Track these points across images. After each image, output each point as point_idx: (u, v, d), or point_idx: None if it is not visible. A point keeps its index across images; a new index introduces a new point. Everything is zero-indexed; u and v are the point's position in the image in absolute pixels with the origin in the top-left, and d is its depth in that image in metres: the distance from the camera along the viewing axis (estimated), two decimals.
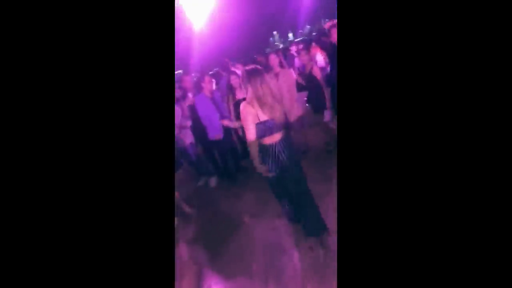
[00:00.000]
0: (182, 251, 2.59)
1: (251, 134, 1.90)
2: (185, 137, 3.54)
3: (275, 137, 1.96)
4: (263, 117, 1.89)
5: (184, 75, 3.59)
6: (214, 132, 3.35)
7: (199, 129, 3.41)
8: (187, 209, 3.12)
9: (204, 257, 2.44)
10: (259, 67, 1.95)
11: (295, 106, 3.47)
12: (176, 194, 3.05)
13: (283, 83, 3.43)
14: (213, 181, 3.75)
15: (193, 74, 3.78)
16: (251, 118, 1.88)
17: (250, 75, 1.86)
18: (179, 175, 3.13)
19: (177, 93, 3.73)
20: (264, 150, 1.97)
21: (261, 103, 1.86)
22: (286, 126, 3.67)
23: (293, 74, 3.58)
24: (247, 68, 1.95)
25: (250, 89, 1.87)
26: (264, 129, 1.90)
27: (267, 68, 3.88)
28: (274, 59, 3.55)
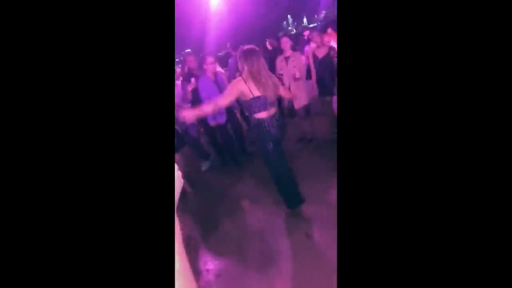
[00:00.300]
0: (181, 228, 2.63)
1: (222, 100, 2.08)
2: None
3: (267, 113, 2.11)
4: (257, 93, 2.03)
5: (188, 55, 3.49)
6: (215, 117, 3.29)
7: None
8: (187, 188, 3.16)
9: (201, 235, 2.48)
10: (255, 47, 2.12)
11: (303, 93, 3.40)
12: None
13: (293, 68, 3.36)
14: (205, 165, 3.76)
15: (201, 55, 3.67)
16: (235, 92, 2.04)
17: (247, 54, 2.04)
18: (180, 155, 3.15)
19: (182, 72, 3.67)
20: (256, 123, 2.14)
21: (256, 81, 2.02)
22: (292, 112, 3.62)
23: (304, 59, 3.49)
24: (244, 48, 2.12)
25: (245, 67, 2.04)
26: (257, 104, 2.07)
27: (278, 51, 3.79)
28: (286, 42, 3.46)
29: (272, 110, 2.12)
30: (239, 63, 2.13)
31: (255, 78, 2.01)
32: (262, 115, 2.10)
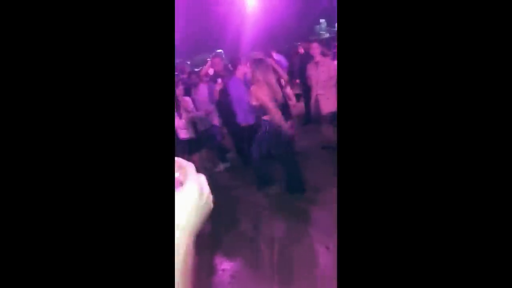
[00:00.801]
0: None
1: (275, 112, 2.44)
2: (212, 119, 3.58)
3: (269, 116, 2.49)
4: (267, 99, 2.42)
5: (214, 57, 3.56)
6: (245, 118, 3.31)
7: (229, 113, 3.39)
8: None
9: (219, 234, 2.51)
10: (264, 58, 2.60)
11: (332, 99, 3.33)
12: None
13: (322, 73, 3.30)
14: (221, 166, 3.80)
15: (224, 57, 3.74)
16: (267, 98, 2.39)
17: (257, 63, 2.44)
18: (201, 155, 3.22)
19: (207, 75, 3.74)
20: (262, 124, 2.56)
21: (267, 87, 2.39)
22: (318, 119, 3.56)
23: (334, 65, 3.42)
24: (254, 58, 2.57)
25: (257, 75, 2.39)
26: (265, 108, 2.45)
27: (309, 56, 3.75)
28: (315, 48, 3.42)
29: (279, 113, 2.49)
30: (249, 71, 2.53)
31: (269, 84, 2.39)
32: (267, 117, 2.50)
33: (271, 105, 2.46)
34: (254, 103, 2.50)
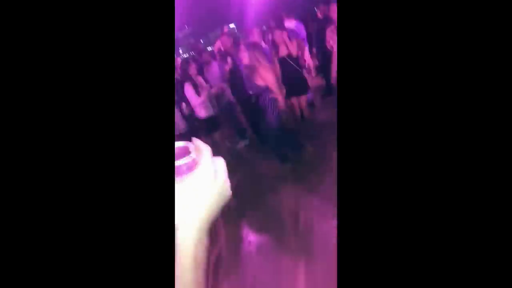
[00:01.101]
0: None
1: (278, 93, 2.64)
2: (227, 96, 3.54)
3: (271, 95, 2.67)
4: (265, 81, 2.61)
5: (222, 35, 3.43)
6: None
7: (242, 90, 3.30)
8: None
9: (243, 207, 2.58)
10: (257, 41, 2.87)
11: None
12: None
13: None
14: (241, 143, 3.82)
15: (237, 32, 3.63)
16: (271, 77, 2.59)
17: (251, 47, 2.61)
18: (221, 133, 3.24)
19: (220, 52, 3.64)
20: (263, 103, 2.71)
21: (270, 66, 2.59)
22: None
23: None
24: (248, 42, 2.78)
25: (255, 58, 2.52)
26: (266, 89, 2.63)
27: (328, 20, 3.50)
28: (336, 10, 3.16)
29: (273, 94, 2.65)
30: (245, 55, 2.57)
31: (268, 64, 2.56)
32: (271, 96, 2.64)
33: (274, 86, 2.62)
34: (260, 83, 2.62)
